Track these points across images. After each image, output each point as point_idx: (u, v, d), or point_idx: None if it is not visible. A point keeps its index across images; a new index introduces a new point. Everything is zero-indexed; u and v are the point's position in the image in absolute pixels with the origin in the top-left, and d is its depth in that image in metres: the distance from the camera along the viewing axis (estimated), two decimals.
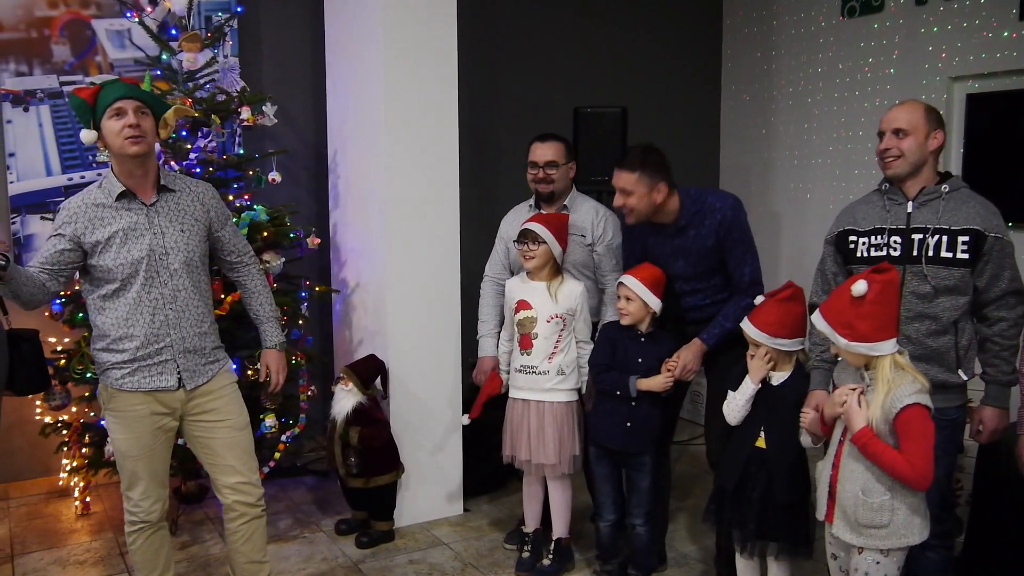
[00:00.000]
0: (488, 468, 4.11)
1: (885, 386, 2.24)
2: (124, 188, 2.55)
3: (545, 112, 4.92)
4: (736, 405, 2.73)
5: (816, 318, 2.35)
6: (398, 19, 3.66)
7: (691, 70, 5.95)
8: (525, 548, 3.45)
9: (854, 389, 2.31)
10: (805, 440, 2.63)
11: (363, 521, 3.77)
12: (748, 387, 2.70)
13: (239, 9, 4.27)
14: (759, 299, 2.75)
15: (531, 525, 3.48)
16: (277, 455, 3.78)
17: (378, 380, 3.73)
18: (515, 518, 3.81)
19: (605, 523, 3.21)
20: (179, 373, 2.65)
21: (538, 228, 3.19)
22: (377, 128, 3.76)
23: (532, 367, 3.25)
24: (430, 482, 3.92)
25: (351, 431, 3.58)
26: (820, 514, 2.43)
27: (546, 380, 3.23)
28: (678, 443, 4.70)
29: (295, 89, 4.67)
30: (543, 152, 3.42)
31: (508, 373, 3.42)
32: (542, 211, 3.54)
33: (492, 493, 4.24)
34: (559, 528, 3.42)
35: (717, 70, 6.11)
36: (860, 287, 2.24)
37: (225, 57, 3.98)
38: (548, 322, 3.22)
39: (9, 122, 4.14)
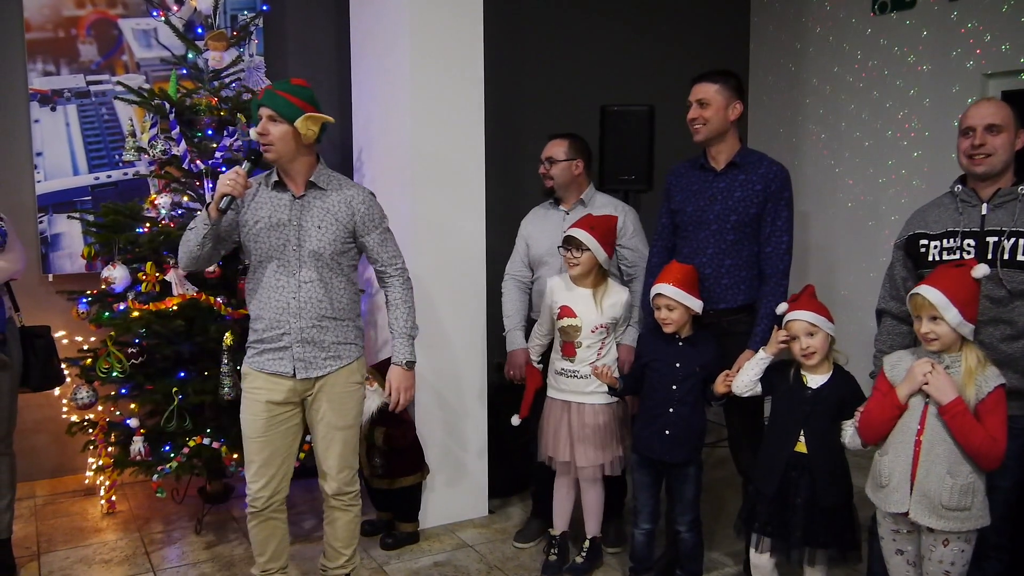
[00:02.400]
0: (513, 470, 4.08)
1: (972, 372, 2.28)
2: (278, 179, 2.75)
3: (571, 111, 4.88)
4: (746, 376, 2.78)
5: (930, 291, 2.31)
6: (424, 17, 3.64)
7: (720, 66, 5.86)
8: (552, 551, 3.42)
9: (933, 364, 2.30)
10: (854, 441, 2.58)
11: (388, 522, 3.75)
12: (761, 356, 2.75)
13: (265, 8, 4.27)
14: (782, 307, 2.75)
15: (560, 527, 3.44)
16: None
17: None
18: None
19: (641, 531, 3.16)
20: (295, 362, 2.73)
21: (581, 235, 3.14)
22: (403, 126, 3.73)
23: (574, 371, 3.22)
24: (455, 483, 3.89)
25: (376, 432, 3.56)
26: (898, 506, 2.38)
27: (587, 384, 3.19)
28: (705, 445, 4.64)
29: (320, 87, 4.61)
30: (546, 148, 3.54)
31: (540, 363, 3.39)
32: (560, 208, 3.53)
33: (517, 495, 4.21)
34: (591, 527, 3.40)
35: (745, 67, 6.04)
36: (982, 269, 2.29)
37: (251, 56, 3.98)
38: (593, 332, 3.19)
39: (37, 121, 4.15)
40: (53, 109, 4.18)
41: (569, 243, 3.17)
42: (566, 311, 3.21)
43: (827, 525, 2.62)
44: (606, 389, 3.18)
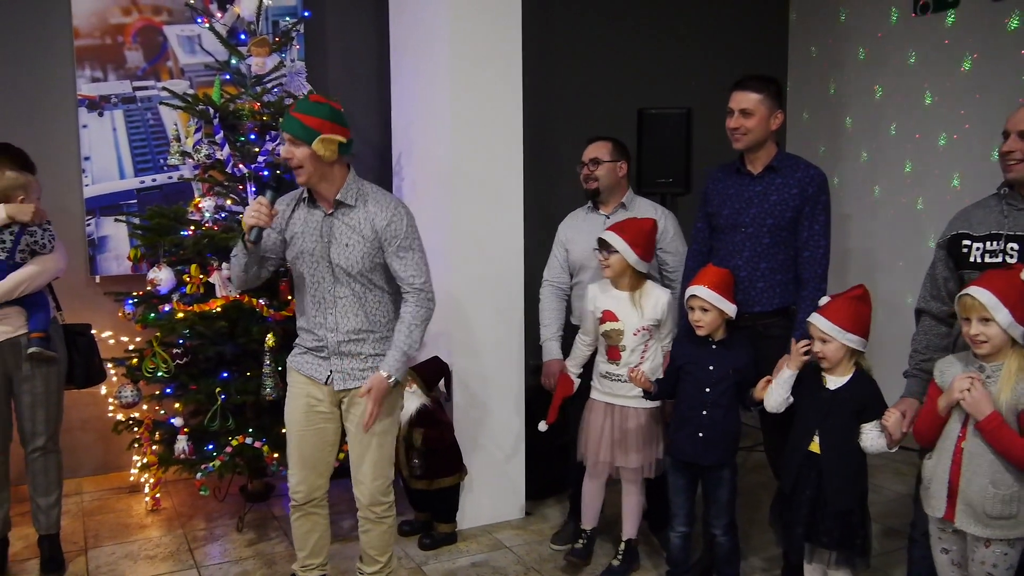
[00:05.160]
0: (550, 472, 4.09)
1: (1012, 377, 2.25)
2: (309, 195, 2.79)
3: (608, 113, 4.88)
4: (777, 395, 2.78)
5: (981, 292, 2.29)
6: (463, 21, 3.66)
7: (757, 69, 5.83)
8: (581, 539, 3.44)
9: (973, 378, 2.28)
10: (878, 444, 2.57)
11: (426, 522, 3.79)
12: (787, 375, 2.75)
13: (306, 13, 4.32)
14: (824, 300, 2.73)
15: (590, 523, 3.46)
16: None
17: (441, 382, 3.74)
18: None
19: (676, 534, 3.17)
20: (332, 373, 2.78)
21: (611, 237, 3.16)
22: (442, 130, 3.77)
23: (618, 375, 3.23)
24: (492, 485, 3.92)
25: (415, 433, 3.60)
26: (936, 511, 2.39)
27: (631, 388, 3.19)
28: (742, 449, 4.62)
29: (359, 92, 4.70)
30: (589, 150, 3.52)
31: (579, 375, 3.40)
32: (600, 212, 3.54)
33: (554, 497, 4.22)
34: (629, 529, 3.41)
35: (783, 69, 6.00)
36: None
37: (292, 61, 4.03)
38: (635, 335, 3.20)
39: (84, 127, 4.25)
40: (100, 114, 4.28)
41: (601, 246, 3.19)
42: (608, 315, 3.22)
43: (834, 527, 2.63)
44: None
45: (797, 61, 5.97)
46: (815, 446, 2.67)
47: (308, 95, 2.83)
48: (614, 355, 3.24)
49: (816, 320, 2.67)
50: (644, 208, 3.51)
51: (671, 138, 4.29)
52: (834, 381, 2.68)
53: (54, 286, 3.48)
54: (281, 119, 3.72)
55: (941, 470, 2.37)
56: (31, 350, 3.24)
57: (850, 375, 2.67)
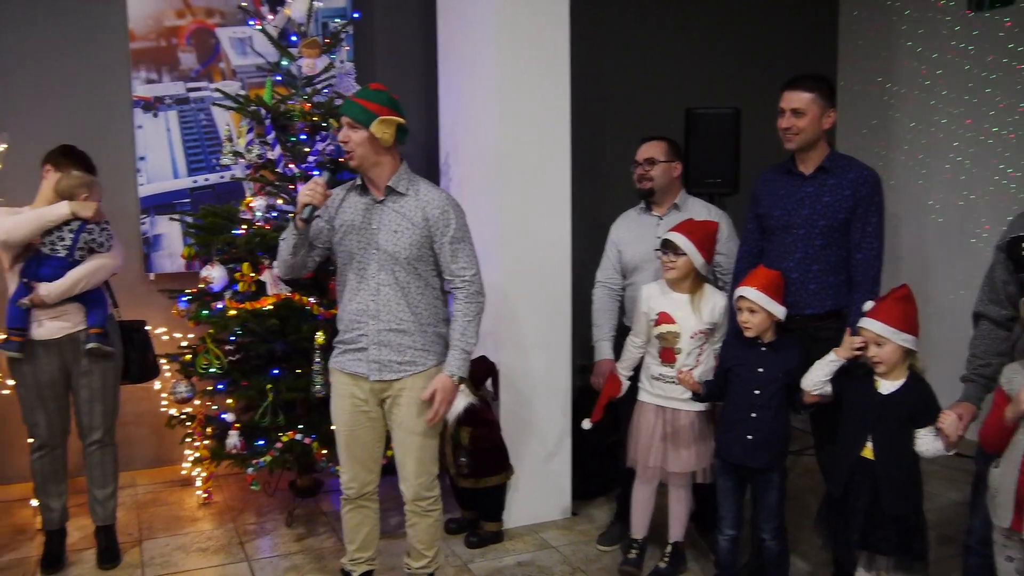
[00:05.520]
0: (596, 472, 4.09)
1: None
2: (362, 183, 2.84)
3: (656, 113, 4.85)
4: (815, 375, 2.77)
5: None
6: (510, 21, 3.67)
7: (806, 68, 5.76)
8: (633, 549, 3.43)
9: None
10: (934, 447, 2.54)
11: (472, 521, 3.80)
12: (831, 359, 2.73)
13: (356, 15, 4.36)
14: (868, 305, 2.70)
15: (640, 532, 3.44)
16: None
17: (489, 381, 3.75)
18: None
19: (725, 537, 3.14)
20: (370, 364, 2.80)
21: (679, 239, 3.13)
22: (489, 129, 3.78)
23: (671, 378, 3.21)
24: (539, 484, 3.92)
25: (462, 431, 3.62)
26: (1003, 520, 2.34)
27: (683, 391, 3.17)
28: (791, 453, 4.57)
29: (407, 92, 4.72)
30: (644, 150, 3.50)
31: (629, 377, 3.38)
32: (653, 213, 3.52)
33: (601, 497, 4.21)
34: (676, 532, 3.39)
35: (833, 67, 5.91)
36: None
37: (341, 62, 4.08)
38: (692, 338, 3.18)
39: (140, 127, 4.34)
40: (155, 115, 4.36)
41: (666, 247, 3.17)
42: (664, 317, 3.20)
43: (890, 533, 2.59)
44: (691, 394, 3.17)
45: (848, 59, 5.88)
46: (868, 452, 2.64)
47: (369, 84, 2.86)
48: (668, 358, 3.22)
49: (868, 324, 2.63)
50: (697, 209, 3.48)
51: (719, 138, 4.25)
52: (887, 386, 2.65)
53: (111, 283, 3.56)
54: (331, 119, 3.78)
55: (1009, 480, 2.31)
56: (89, 346, 3.32)
57: (904, 379, 2.64)
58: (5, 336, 3.31)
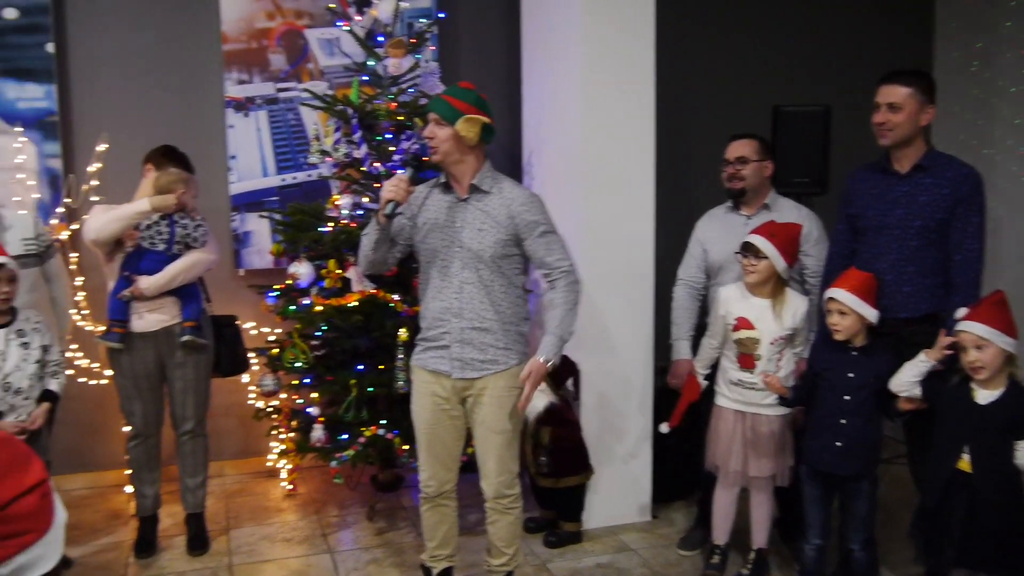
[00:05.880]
0: (677, 475, 4.03)
1: None
2: (445, 181, 2.86)
3: (743, 111, 4.75)
4: (903, 376, 2.69)
5: None
6: (596, 21, 3.66)
7: (900, 64, 5.58)
8: (716, 554, 3.38)
9: None
10: None
11: (551, 521, 3.79)
12: (921, 359, 2.66)
13: (442, 15, 4.39)
14: (961, 311, 2.61)
15: (723, 538, 3.38)
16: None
17: (570, 381, 3.73)
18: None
19: (811, 546, 3.06)
20: (452, 361, 2.81)
21: (760, 242, 3.07)
22: (572, 129, 3.77)
23: (751, 384, 3.15)
24: (619, 486, 3.89)
25: (542, 431, 3.61)
26: None
27: (764, 396, 3.12)
28: (882, 461, 4.43)
29: (490, 91, 4.67)
30: (734, 148, 3.42)
31: (706, 377, 3.33)
32: (741, 213, 3.45)
33: (681, 500, 4.15)
34: (760, 538, 3.33)
35: (929, 62, 5.70)
36: None
37: (427, 62, 4.11)
38: (772, 344, 3.12)
39: (231, 127, 4.46)
40: (246, 115, 4.47)
41: (747, 250, 3.10)
42: (743, 323, 3.14)
43: (989, 549, 2.48)
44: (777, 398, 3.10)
45: (945, 53, 5.66)
46: (965, 464, 2.54)
47: (459, 82, 2.88)
48: (747, 363, 3.15)
49: (969, 326, 2.53)
50: (788, 210, 3.40)
51: (808, 136, 4.14)
52: (986, 395, 2.53)
53: (204, 278, 3.67)
54: (416, 118, 3.82)
55: None
56: (184, 338, 3.43)
57: (1003, 388, 2.52)
58: (106, 327, 3.44)
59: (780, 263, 3.06)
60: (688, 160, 4.82)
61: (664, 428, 3.37)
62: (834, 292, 2.87)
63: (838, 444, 2.88)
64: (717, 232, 3.51)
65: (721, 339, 3.24)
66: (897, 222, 2.92)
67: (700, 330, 3.53)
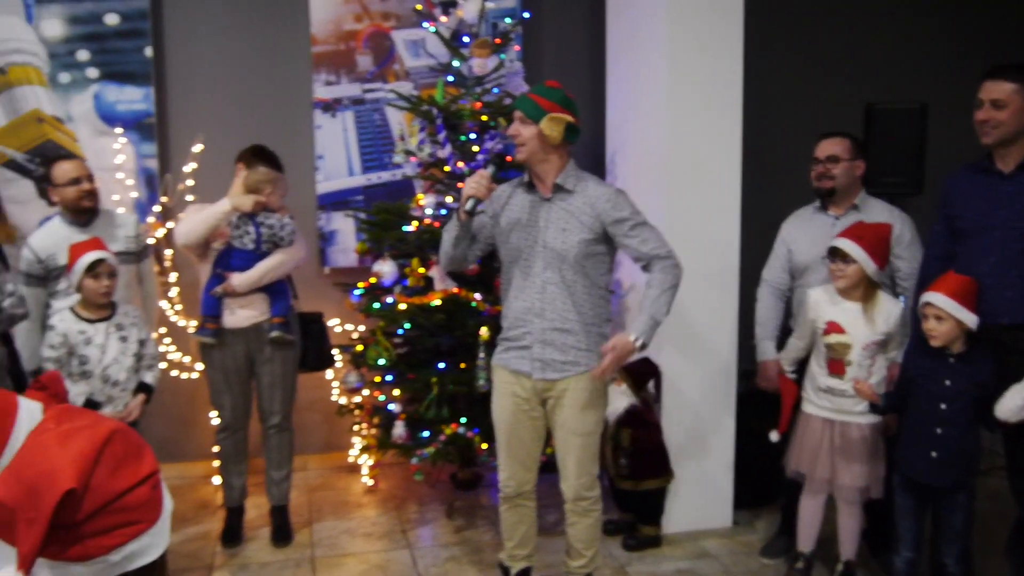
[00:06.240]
0: (760, 481, 3.95)
1: None
2: (529, 181, 2.85)
3: (833, 109, 4.62)
4: (1012, 402, 2.56)
5: None
6: (682, 15, 3.60)
7: (1004, 59, 5.34)
8: (800, 562, 3.30)
9: None
10: None
11: (630, 523, 3.76)
12: None
13: (526, 14, 4.39)
14: None
15: (808, 545, 3.29)
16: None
17: (651, 383, 3.69)
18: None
19: (902, 559, 2.95)
20: (533, 362, 2.81)
21: (848, 245, 2.98)
22: (657, 129, 3.73)
23: (842, 390, 3.06)
24: (700, 490, 3.83)
25: (623, 432, 3.58)
26: None
27: (856, 403, 3.02)
28: (979, 473, 4.25)
29: (573, 89, 4.60)
30: (825, 147, 3.33)
31: (794, 373, 3.25)
32: (829, 213, 3.36)
33: (764, 507, 4.06)
34: (848, 550, 3.23)
35: None
36: None
37: (511, 61, 4.12)
38: (864, 349, 3.02)
39: (319, 127, 4.55)
40: (333, 115, 4.56)
41: (835, 254, 3.01)
42: (834, 327, 3.05)
43: None
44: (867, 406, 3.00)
45: None
46: None
47: (545, 81, 2.87)
48: (837, 369, 3.06)
49: None
50: (878, 211, 3.28)
51: (903, 135, 4.01)
52: None
53: (292, 275, 3.75)
54: (500, 118, 3.83)
55: None
56: (273, 334, 3.51)
57: None
58: (199, 323, 3.55)
59: (870, 266, 2.97)
60: (775, 159, 4.71)
61: (774, 436, 3.25)
62: (931, 296, 2.76)
63: (933, 454, 2.77)
64: (803, 233, 3.42)
65: (809, 341, 3.16)
66: (1000, 224, 2.80)
67: (784, 332, 3.46)
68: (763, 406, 3.58)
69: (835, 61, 5.05)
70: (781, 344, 3.42)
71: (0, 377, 2.86)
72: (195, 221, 3.45)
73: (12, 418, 1.27)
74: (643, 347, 2.70)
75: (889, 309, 3.02)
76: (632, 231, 2.76)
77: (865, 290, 3.02)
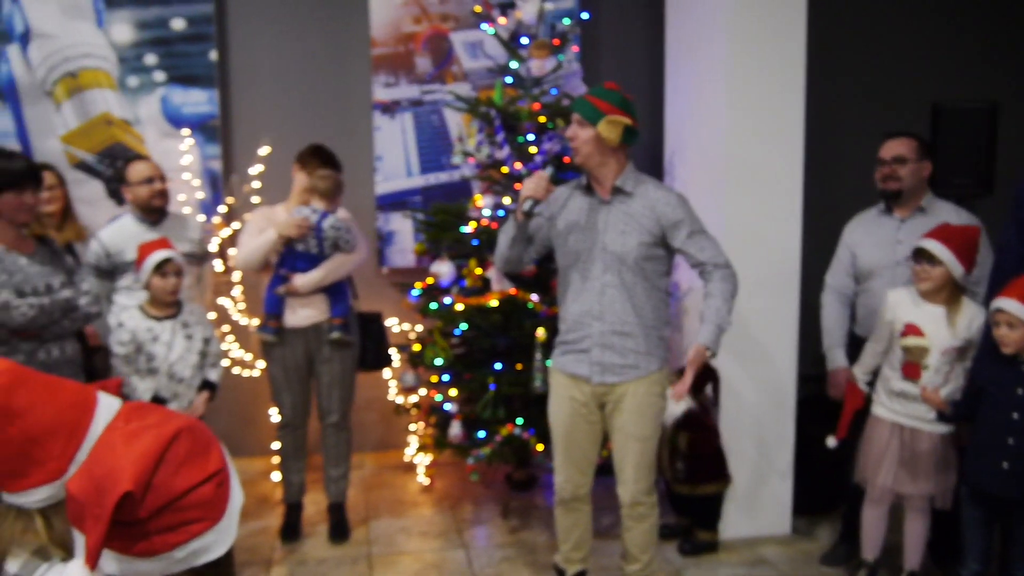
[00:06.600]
0: (820, 488, 3.88)
1: None
2: (587, 183, 2.84)
3: (898, 108, 4.54)
4: None
5: None
6: (744, 15, 3.55)
7: None
8: (864, 570, 3.23)
9: None
10: None
11: (686, 528, 3.72)
12: None
13: (586, 15, 4.37)
14: None
15: (873, 553, 3.22)
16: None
17: (709, 387, 3.65)
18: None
19: (969, 572, 2.87)
20: (592, 365, 2.80)
21: (935, 247, 2.91)
22: (717, 130, 3.68)
23: (915, 395, 2.99)
24: (758, 496, 3.77)
25: (680, 436, 3.55)
26: None
27: (928, 409, 2.95)
28: None
29: (632, 91, 4.57)
30: (891, 147, 3.25)
31: (869, 385, 3.18)
32: (894, 215, 3.28)
33: (824, 514, 3.98)
34: (913, 560, 3.15)
35: None
36: None
37: (569, 62, 4.11)
38: (942, 354, 2.95)
39: (378, 129, 4.59)
40: (392, 117, 4.60)
41: (920, 255, 2.94)
42: (912, 329, 2.97)
43: None
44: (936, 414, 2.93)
45: None
46: None
47: (604, 83, 2.86)
48: (912, 373, 2.99)
49: None
50: (945, 213, 3.20)
51: (972, 135, 3.90)
52: None
53: (352, 276, 3.79)
54: (558, 119, 3.82)
55: None
56: (333, 335, 3.56)
57: None
58: (262, 321, 3.62)
59: (957, 269, 2.89)
60: (838, 160, 4.62)
61: (832, 442, 3.19)
62: (1002, 302, 2.68)
63: (1004, 465, 2.69)
64: (868, 236, 3.35)
65: (886, 345, 3.08)
66: None
67: (849, 339, 3.39)
68: (824, 412, 3.51)
69: (900, 58, 4.93)
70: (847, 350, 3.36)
71: (75, 373, 2.94)
72: (250, 250, 3.54)
73: (91, 413, 1.31)
74: (712, 356, 2.70)
75: (972, 315, 2.94)
76: (690, 238, 2.74)
77: (949, 294, 2.94)
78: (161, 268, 3.16)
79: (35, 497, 1.30)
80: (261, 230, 3.57)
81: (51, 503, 1.30)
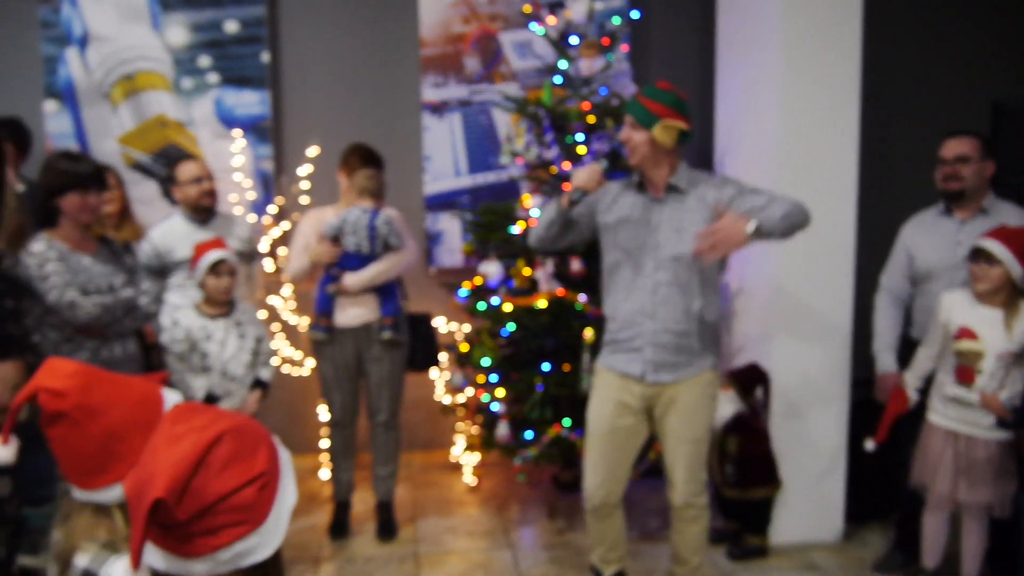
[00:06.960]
0: (873, 493, 3.81)
1: None
2: (640, 181, 2.82)
3: (956, 107, 4.43)
4: None
5: None
6: (798, 10, 3.50)
7: None
8: None
9: None
10: None
11: (735, 532, 3.68)
12: None
13: (636, 14, 4.34)
14: None
15: (932, 562, 3.15)
16: (652, 455, 3.82)
17: (759, 390, 3.60)
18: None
19: None
20: (645, 364, 2.78)
21: (994, 246, 2.83)
22: (769, 129, 3.63)
23: (969, 401, 2.92)
24: (809, 501, 3.71)
25: (729, 440, 3.51)
26: None
27: (984, 415, 2.88)
28: None
29: (681, 89, 4.65)
30: (953, 146, 3.17)
31: (918, 391, 3.12)
32: (954, 216, 3.21)
33: (877, 520, 3.90)
34: (970, 569, 3.07)
35: None
36: None
37: (619, 61, 4.09)
38: (997, 359, 2.87)
39: (426, 129, 4.61)
40: (440, 117, 4.62)
41: (978, 255, 2.87)
42: (966, 332, 2.90)
43: None
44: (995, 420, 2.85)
45: None
46: None
47: (656, 82, 2.83)
48: (966, 377, 2.92)
49: None
50: (1007, 214, 3.11)
51: None
52: None
53: (402, 276, 3.81)
54: (607, 119, 3.80)
55: None
56: (384, 335, 3.59)
57: None
58: (312, 320, 3.65)
59: (1016, 270, 2.81)
60: (894, 159, 4.54)
61: (870, 445, 3.15)
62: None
63: None
64: (926, 237, 3.27)
65: (939, 348, 3.02)
66: None
67: (903, 342, 3.32)
68: (878, 417, 3.44)
69: (959, 56, 4.81)
70: (900, 354, 3.29)
71: (136, 370, 3.01)
72: (297, 267, 3.65)
73: (161, 408, 1.34)
74: (751, 236, 2.52)
75: None
76: (741, 197, 2.69)
77: (1008, 296, 2.86)
78: (215, 268, 3.21)
79: (115, 493, 1.33)
80: (307, 238, 3.64)
81: None
